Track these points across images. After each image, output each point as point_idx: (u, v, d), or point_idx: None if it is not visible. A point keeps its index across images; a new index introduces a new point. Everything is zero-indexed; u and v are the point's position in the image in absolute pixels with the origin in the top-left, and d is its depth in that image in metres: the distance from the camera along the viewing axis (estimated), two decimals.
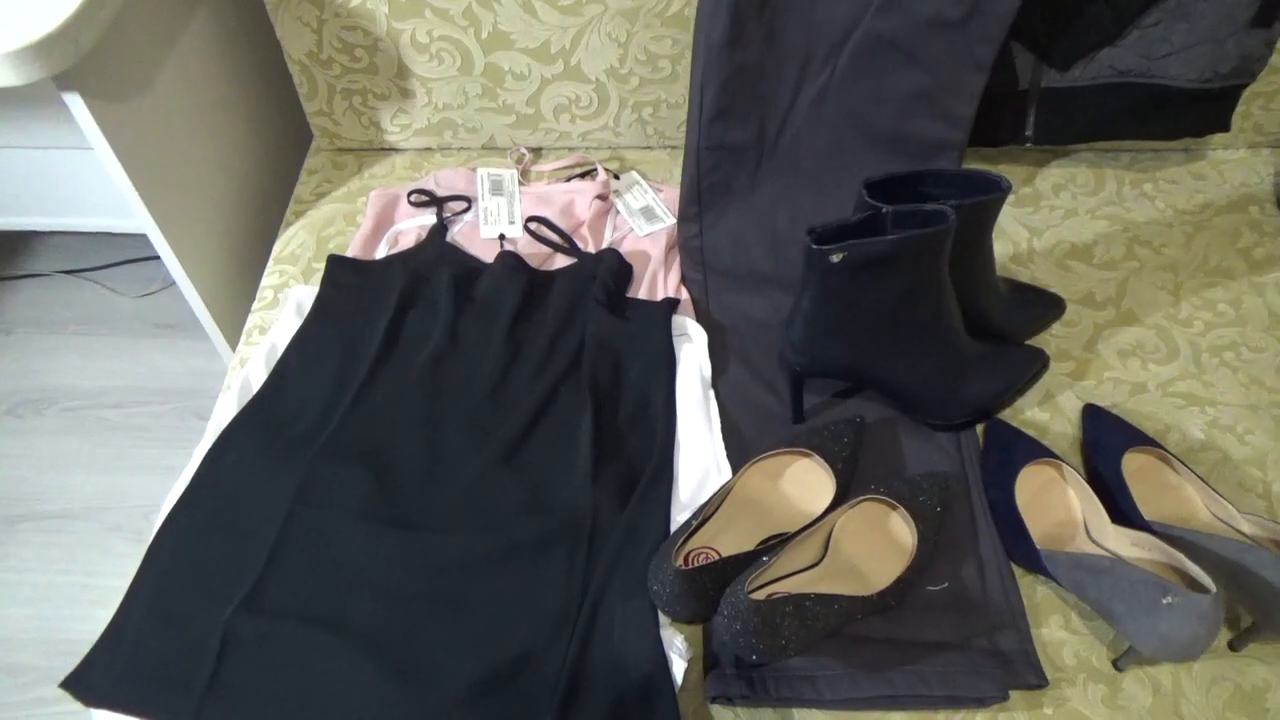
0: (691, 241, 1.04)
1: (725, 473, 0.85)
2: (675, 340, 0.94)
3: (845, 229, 0.78)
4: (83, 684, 0.72)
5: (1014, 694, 0.73)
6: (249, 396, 0.90)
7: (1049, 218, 1.09)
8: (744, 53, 0.94)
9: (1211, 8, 0.94)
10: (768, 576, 0.75)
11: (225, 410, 0.89)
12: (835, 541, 0.79)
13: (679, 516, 0.82)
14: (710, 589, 0.74)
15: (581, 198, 1.08)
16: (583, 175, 1.12)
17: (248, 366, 0.93)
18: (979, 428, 0.90)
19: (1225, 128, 1.06)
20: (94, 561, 0.84)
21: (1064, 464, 0.83)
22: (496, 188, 1.09)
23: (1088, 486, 0.81)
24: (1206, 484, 0.80)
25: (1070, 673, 0.75)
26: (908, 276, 0.77)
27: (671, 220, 1.07)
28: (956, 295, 0.83)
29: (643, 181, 1.11)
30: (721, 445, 0.87)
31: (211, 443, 0.86)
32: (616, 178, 1.12)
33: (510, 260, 0.99)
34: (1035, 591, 0.79)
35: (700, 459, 0.85)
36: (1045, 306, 0.97)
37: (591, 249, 1.03)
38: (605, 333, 0.93)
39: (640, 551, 0.78)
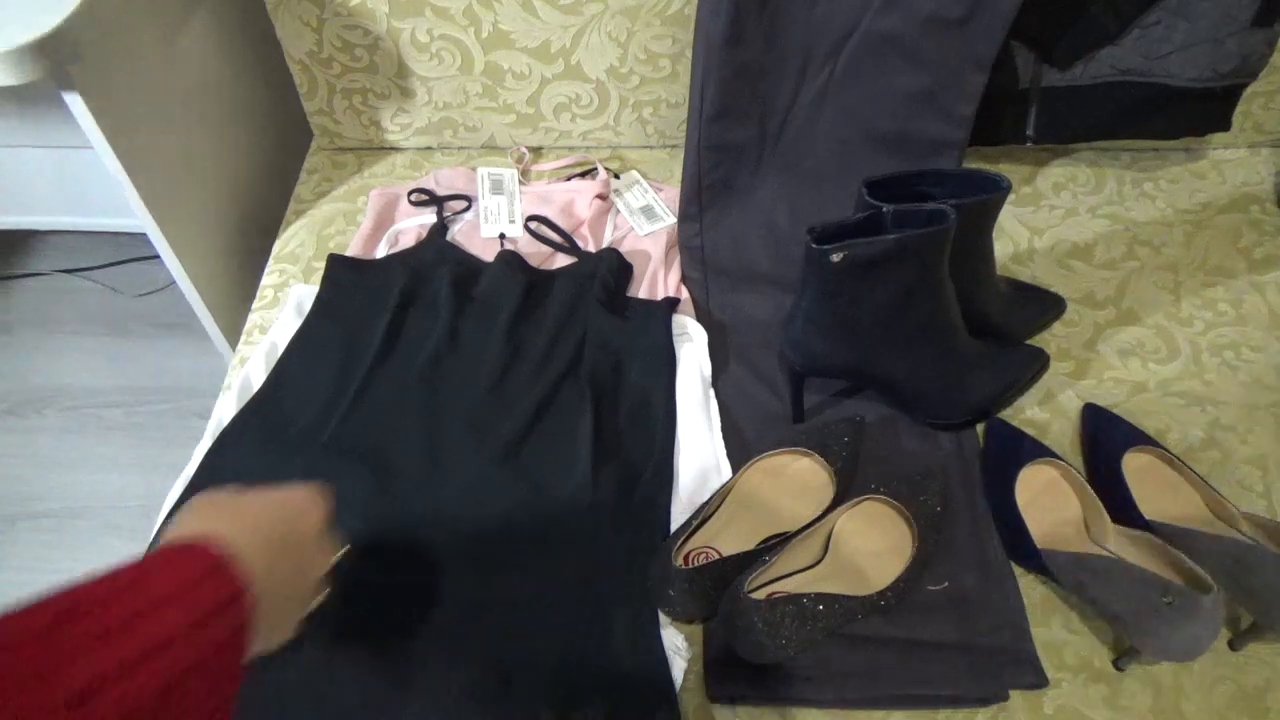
0: (692, 241, 1.03)
1: (725, 472, 0.85)
2: (675, 339, 0.93)
3: (845, 228, 0.78)
4: None
5: (1014, 694, 0.73)
6: (249, 396, 0.89)
7: (1049, 217, 1.08)
8: (744, 52, 0.94)
9: (1212, 7, 0.94)
10: (768, 576, 0.75)
11: (225, 410, 0.89)
12: (835, 541, 0.79)
13: (679, 516, 0.81)
14: (710, 589, 0.74)
15: (581, 197, 1.08)
16: (583, 174, 1.12)
17: (248, 366, 0.93)
18: (979, 428, 0.89)
19: (1226, 127, 1.06)
20: (94, 561, 0.84)
21: (1064, 464, 0.83)
22: (497, 187, 1.09)
23: (1088, 486, 0.81)
24: (1207, 483, 0.80)
25: (1070, 673, 0.75)
26: (908, 276, 0.77)
27: (672, 219, 1.07)
28: (956, 295, 0.83)
29: (643, 181, 1.11)
30: (721, 445, 0.87)
31: (211, 442, 0.86)
32: (617, 177, 1.12)
33: (510, 259, 0.99)
34: (1035, 591, 0.79)
35: (700, 459, 0.85)
36: (1045, 306, 0.97)
37: (592, 248, 1.03)
38: (605, 332, 0.93)
39: (640, 551, 0.78)
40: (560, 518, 0.81)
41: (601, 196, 1.07)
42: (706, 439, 0.87)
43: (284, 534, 0.53)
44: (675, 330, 0.94)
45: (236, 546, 0.47)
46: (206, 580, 0.44)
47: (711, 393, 0.90)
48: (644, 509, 0.81)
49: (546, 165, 1.14)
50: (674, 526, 0.81)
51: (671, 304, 0.96)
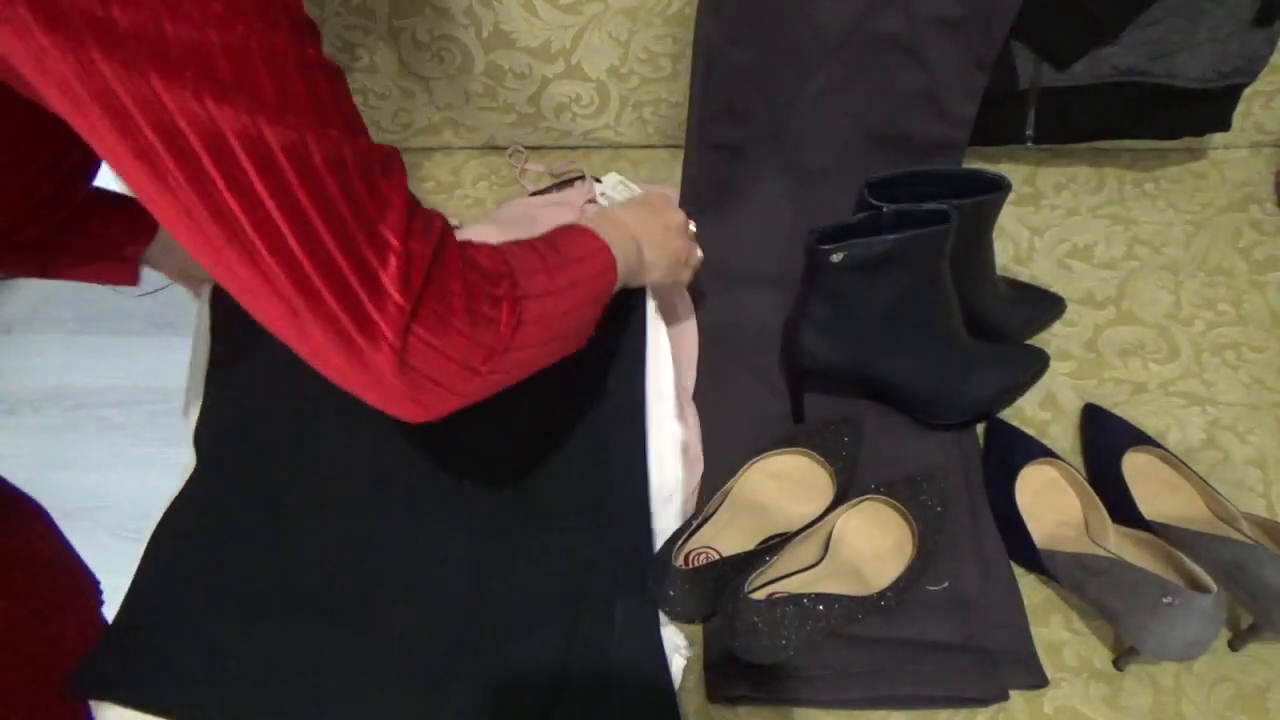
0: None
1: (695, 452, 0.84)
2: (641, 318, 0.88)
3: (846, 229, 0.78)
4: (86, 680, 0.72)
5: (1014, 694, 0.73)
6: None
7: (1049, 217, 1.08)
8: (744, 52, 0.94)
9: (1213, 6, 0.94)
10: (768, 576, 0.75)
11: None
12: (835, 541, 0.79)
13: (655, 510, 0.80)
14: (710, 589, 0.74)
15: (568, 210, 1.07)
16: (569, 182, 1.12)
17: None
18: (979, 427, 0.89)
19: (1226, 127, 1.06)
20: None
21: (1064, 464, 0.83)
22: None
23: (1088, 486, 0.81)
24: (1207, 484, 0.80)
25: (1070, 673, 0.75)
26: (908, 276, 0.77)
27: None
28: (956, 295, 0.83)
29: (624, 179, 1.10)
30: (688, 428, 0.85)
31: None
32: (598, 180, 1.11)
33: None
34: (1035, 591, 0.79)
35: (665, 445, 0.83)
36: (1045, 306, 0.97)
37: None
38: None
39: (628, 548, 0.77)
40: (547, 518, 0.80)
41: (591, 201, 1.08)
42: (669, 424, 0.83)
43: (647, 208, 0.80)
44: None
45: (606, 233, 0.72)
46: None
47: (670, 372, 0.85)
48: (623, 504, 0.80)
49: (538, 166, 1.14)
50: (655, 516, 0.79)
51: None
